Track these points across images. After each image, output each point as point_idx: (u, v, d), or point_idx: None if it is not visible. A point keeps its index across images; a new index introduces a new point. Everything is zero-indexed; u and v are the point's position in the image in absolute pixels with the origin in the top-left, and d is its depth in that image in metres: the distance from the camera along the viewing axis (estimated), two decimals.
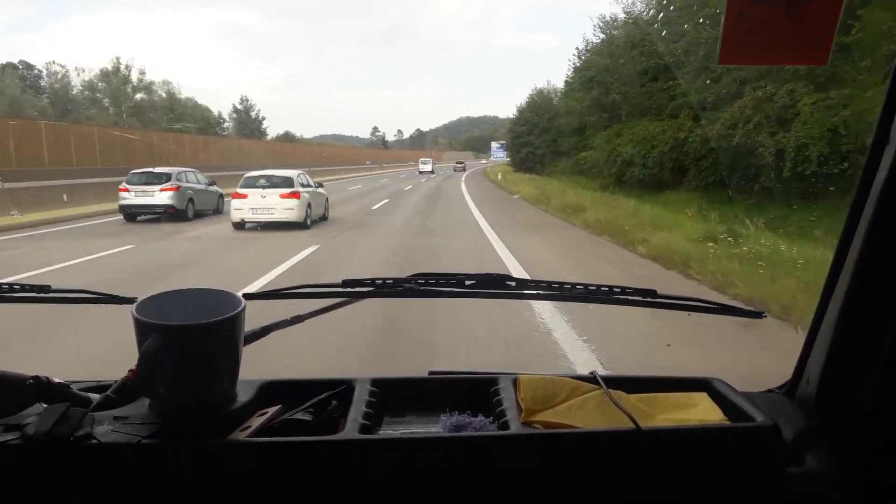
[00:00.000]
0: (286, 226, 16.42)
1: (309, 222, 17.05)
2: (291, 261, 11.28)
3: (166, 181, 19.08)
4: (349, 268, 10.97)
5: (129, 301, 1.61)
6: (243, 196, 16.68)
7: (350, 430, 1.27)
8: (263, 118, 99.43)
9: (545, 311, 6.30)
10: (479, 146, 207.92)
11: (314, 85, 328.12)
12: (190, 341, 1.20)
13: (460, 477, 1.24)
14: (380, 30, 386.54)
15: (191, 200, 19.81)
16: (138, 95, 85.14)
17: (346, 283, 1.64)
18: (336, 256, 12.49)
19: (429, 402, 1.48)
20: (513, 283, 1.65)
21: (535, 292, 1.68)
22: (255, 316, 1.38)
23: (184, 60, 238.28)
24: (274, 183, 16.91)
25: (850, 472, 1.29)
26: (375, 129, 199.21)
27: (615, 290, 1.59)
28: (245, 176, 17.45)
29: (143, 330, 1.20)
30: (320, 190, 18.88)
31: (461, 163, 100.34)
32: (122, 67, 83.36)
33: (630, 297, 1.59)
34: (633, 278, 9.25)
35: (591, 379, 1.46)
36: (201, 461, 1.22)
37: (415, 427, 1.41)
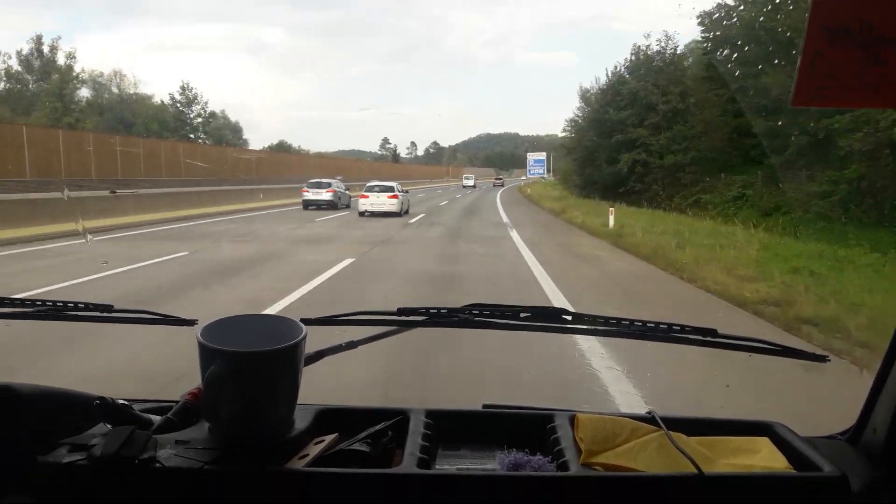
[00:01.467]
0: (388, 215, 27.89)
1: (402, 213, 28.99)
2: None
3: (328, 186, 33.19)
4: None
5: (190, 323, 1.65)
6: (366, 196, 28.97)
7: (408, 463, 1.27)
8: (209, 115, 79.78)
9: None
10: (501, 162, 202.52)
11: (334, 100, 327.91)
12: (254, 368, 1.22)
13: None
14: (401, 47, 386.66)
15: (339, 198, 33.25)
16: (82, 92, 66.21)
17: (400, 312, 1.65)
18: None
19: (483, 436, 1.47)
20: (568, 318, 1.63)
21: (591, 328, 1.66)
22: (309, 340, 1.40)
23: (205, 74, 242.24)
24: (383, 189, 29.15)
25: None
26: (385, 140, 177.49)
27: (674, 328, 1.56)
28: (367, 185, 29.93)
29: (207, 355, 1.22)
30: (407, 194, 31.36)
31: (500, 178, 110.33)
32: (46, 49, 62.76)
33: (689, 336, 1.56)
34: None
35: (650, 419, 1.43)
36: (262, 488, 1.23)
37: (470, 462, 1.40)
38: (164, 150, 37.81)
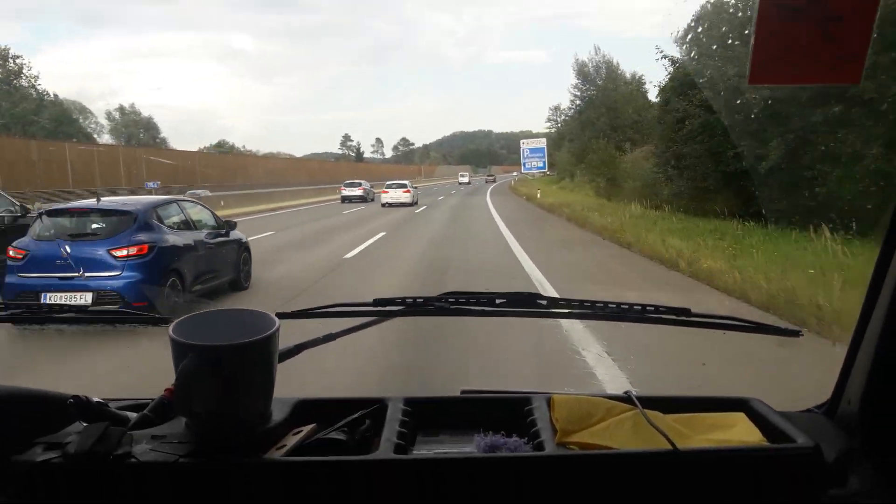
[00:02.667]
0: (404, 205, 36.56)
1: (414, 203, 37.76)
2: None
3: (359, 185, 45.11)
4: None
5: (165, 321, 1.64)
6: (386, 192, 38.52)
7: (384, 449, 1.28)
8: (118, 109, 68.33)
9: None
10: (477, 159, 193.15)
11: (306, 104, 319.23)
12: (226, 361, 1.22)
13: (495, 498, 1.24)
14: (373, 48, 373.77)
15: (368, 194, 44.61)
16: None
17: (377, 302, 1.66)
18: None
19: (462, 421, 1.48)
20: (543, 302, 1.65)
21: (566, 311, 1.68)
22: (288, 334, 1.40)
23: (179, 82, 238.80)
24: (399, 186, 39.23)
25: (895, 492, 1.26)
26: (346, 137, 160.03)
27: (648, 308, 1.58)
28: (386, 184, 40.29)
29: (180, 350, 1.22)
30: (417, 189, 42.60)
31: (491, 175, 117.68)
32: None
33: (663, 316, 1.58)
34: None
35: (627, 399, 1.45)
36: (238, 480, 1.23)
37: (448, 446, 1.41)
38: None
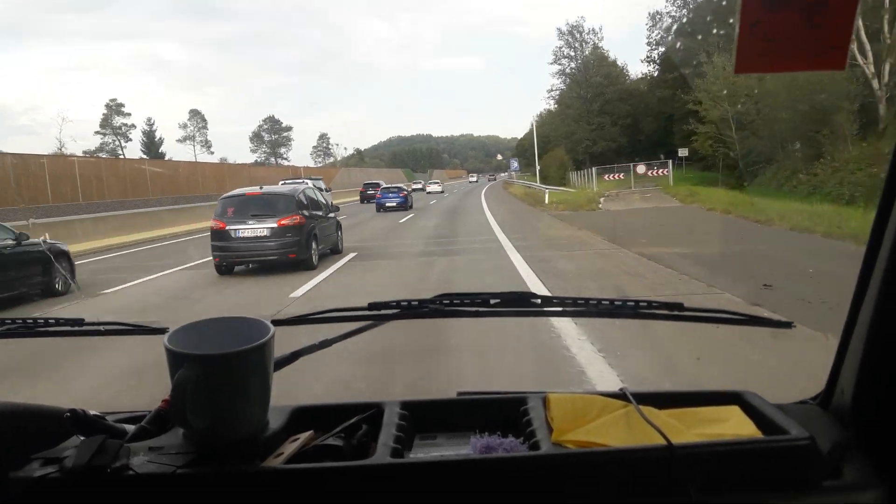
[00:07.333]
0: (438, 194, 62.99)
1: (443, 192, 69.03)
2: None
3: (420, 182, 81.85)
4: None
5: (161, 331, 1.63)
6: (428, 186, 74.01)
7: (381, 454, 1.27)
8: None
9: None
10: (415, 162, 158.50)
11: (240, 115, 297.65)
12: (221, 370, 1.22)
13: (492, 499, 1.24)
14: (307, 57, 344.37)
15: (424, 187, 75.63)
16: None
17: (371, 306, 1.65)
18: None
19: (458, 423, 1.48)
20: (537, 301, 1.64)
21: (559, 309, 1.68)
22: (283, 342, 1.39)
23: (107, 95, 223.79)
24: (435, 182, 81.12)
25: (890, 483, 1.26)
26: (114, 105, 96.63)
27: (641, 304, 1.58)
28: (428, 181, 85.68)
29: (175, 360, 1.21)
30: (443, 184, 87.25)
31: (493, 176, 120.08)
32: None
33: (657, 312, 1.58)
34: None
35: (621, 395, 1.44)
36: (236, 489, 1.23)
37: (445, 449, 1.40)
38: None
